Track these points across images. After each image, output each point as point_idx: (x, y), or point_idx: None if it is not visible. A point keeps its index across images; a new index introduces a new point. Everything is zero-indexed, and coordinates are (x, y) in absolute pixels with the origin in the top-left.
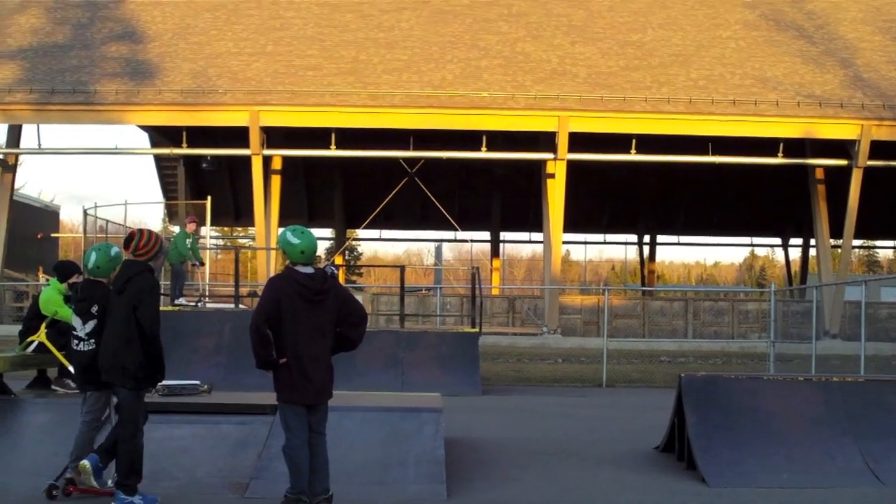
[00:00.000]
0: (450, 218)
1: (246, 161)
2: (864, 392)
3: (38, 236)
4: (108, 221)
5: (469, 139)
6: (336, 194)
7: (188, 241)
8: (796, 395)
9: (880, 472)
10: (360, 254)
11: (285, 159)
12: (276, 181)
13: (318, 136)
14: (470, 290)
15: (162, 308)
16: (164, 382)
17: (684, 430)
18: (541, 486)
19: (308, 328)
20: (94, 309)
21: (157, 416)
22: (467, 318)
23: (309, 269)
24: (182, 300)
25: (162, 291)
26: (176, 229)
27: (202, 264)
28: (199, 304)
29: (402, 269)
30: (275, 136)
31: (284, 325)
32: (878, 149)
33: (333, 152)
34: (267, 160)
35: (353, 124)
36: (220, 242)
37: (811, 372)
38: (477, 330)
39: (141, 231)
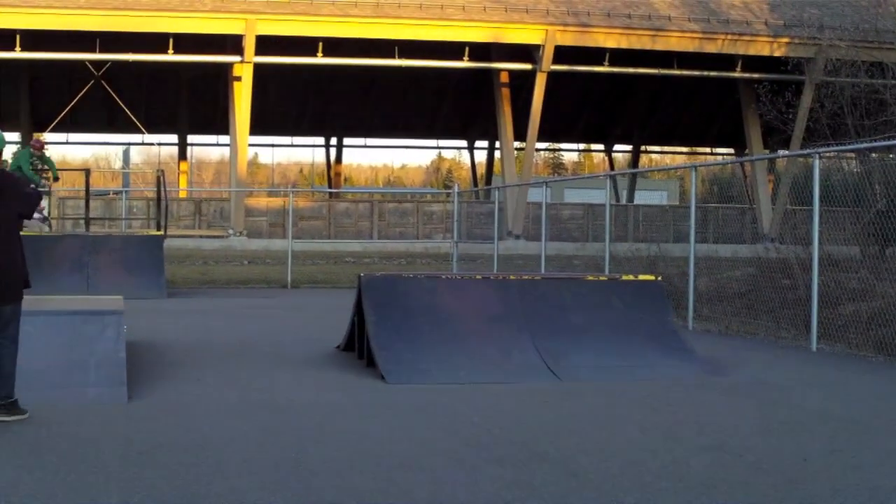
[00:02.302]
0: (136, 121)
1: None
2: (540, 290)
3: None
4: None
5: (157, 41)
6: (22, 97)
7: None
8: (474, 293)
9: (556, 368)
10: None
11: None
12: None
13: (2, 38)
14: (156, 193)
15: None
16: None
17: (364, 330)
18: (222, 386)
19: None
20: None
21: None
22: (154, 221)
23: None
24: None
25: None
26: None
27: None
28: None
29: (87, 172)
30: None
31: None
32: (563, 54)
33: (18, 54)
34: None
35: (39, 26)
36: None
37: (493, 271)
38: (162, 233)
39: None
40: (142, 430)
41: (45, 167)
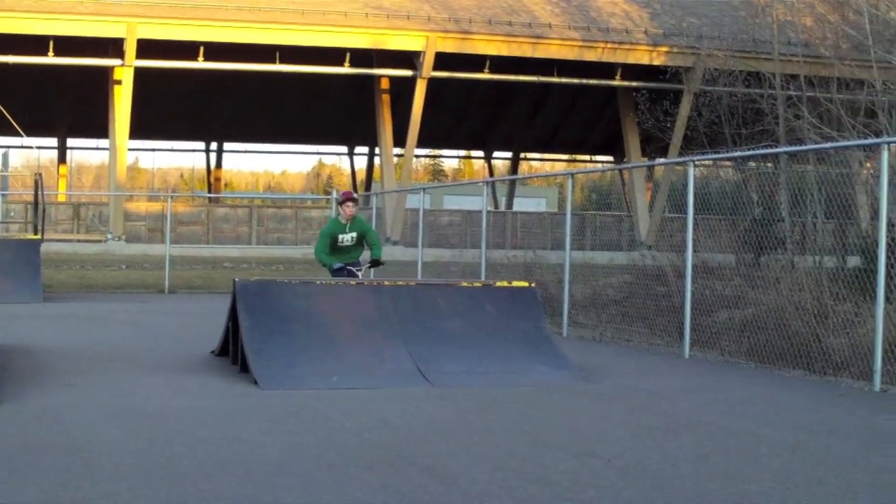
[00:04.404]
0: (15, 125)
1: None
2: (414, 296)
3: None
4: None
5: (37, 44)
6: None
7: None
8: (349, 299)
9: (429, 374)
10: None
11: None
12: None
13: None
14: (34, 196)
15: None
16: None
17: (238, 335)
18: (96, 392)
19: None
20: None
21: None
22: (31, 225)
23: None
24: None
25: None
26: None
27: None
28: None
29: None
30: None
31: None
32: (444, 60)
33: None
34: None
35: None
36: None
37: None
38: (39, 237)
39: None
40: (11, 435)
41: None
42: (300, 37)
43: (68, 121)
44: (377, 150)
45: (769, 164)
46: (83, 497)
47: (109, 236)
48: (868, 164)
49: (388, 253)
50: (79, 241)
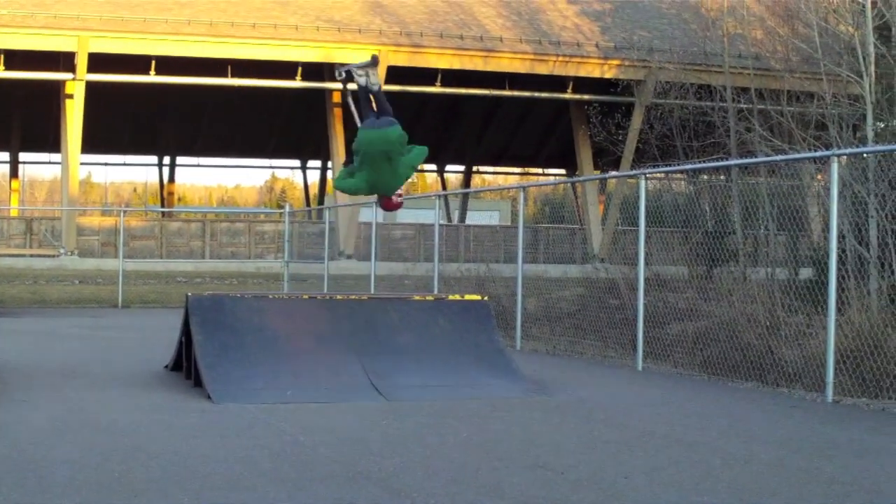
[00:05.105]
0: None
1: None
2: (367, 310)
3: None
4: None
5: None
6: None
7: None
8: (302, 313)
9: (382, 388)
10: None
11: None
12: None
13: None
14: None
15: None
16: None
17: (192, 349)
18: (48, 406)
19: None
20: None
21: None
22: None
23: None
24: None
25: None
26: None
27: None
28: None
29: None
30: None
31: None
32: (395, 74)
33: None
34: None
35: None
36: None
37: (324, 291)
38: None
39: None
40: None
41: None
42: (252, 51)
43: (20, 135)
44: (330, 164)
45: (721, 177)
46: None
47: (62, 251)
48: (819, 177)
49: (343, 267)
50: (32, 255)
